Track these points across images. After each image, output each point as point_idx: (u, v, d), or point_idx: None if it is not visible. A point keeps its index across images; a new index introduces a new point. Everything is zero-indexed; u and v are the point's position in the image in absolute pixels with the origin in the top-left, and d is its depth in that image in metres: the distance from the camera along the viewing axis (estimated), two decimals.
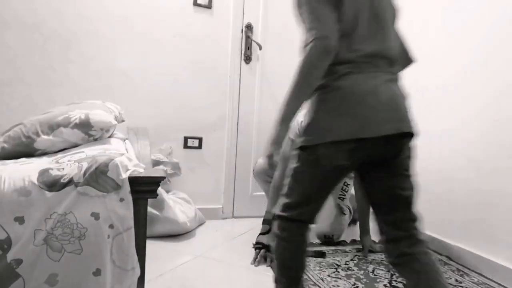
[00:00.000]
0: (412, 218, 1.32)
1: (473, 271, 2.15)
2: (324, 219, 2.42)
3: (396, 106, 1.23)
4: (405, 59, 1.42)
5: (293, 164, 1.31)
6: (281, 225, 1.35)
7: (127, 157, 1.47)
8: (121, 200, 1.38)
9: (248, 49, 2.90)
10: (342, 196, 2.51)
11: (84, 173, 1.37)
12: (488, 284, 2.00)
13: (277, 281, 1.41)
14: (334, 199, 2.52)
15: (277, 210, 1.36)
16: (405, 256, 1.25)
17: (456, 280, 2.03)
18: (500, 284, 2.00)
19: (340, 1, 1.20)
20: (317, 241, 2.54)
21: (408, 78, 2.79)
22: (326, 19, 1.17)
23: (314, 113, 1.25)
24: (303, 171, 1.29)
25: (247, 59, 2.94)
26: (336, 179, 1.32)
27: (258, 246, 2.21)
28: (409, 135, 1.27)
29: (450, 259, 2.31)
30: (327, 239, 2.47)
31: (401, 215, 1.31)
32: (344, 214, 2.50)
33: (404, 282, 1.33)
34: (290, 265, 1.38)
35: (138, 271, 1.42)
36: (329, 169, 1.25)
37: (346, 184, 2.49)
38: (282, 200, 1.34)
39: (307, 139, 1.25)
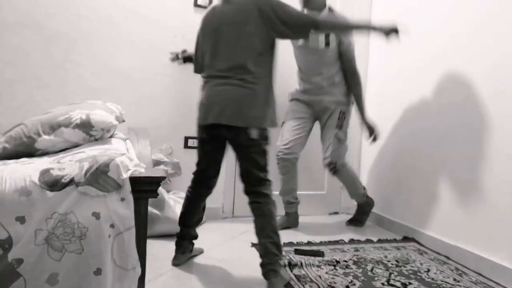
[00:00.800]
0: (250, 183, 1.91)
1: (472, 270, 2.16)
2: (326, 150, 2.71)
3: (213, 106, 1.84)
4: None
5: None
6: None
7: (128, 157, 1.48)
8: (122, 200, 1.39)
9: None
10: (339, 126, 2.70)
11: (85, 173, 1.37)
12: (486, 284, 2.01)
13: None
14: (332, 131, 2.69)
15: None
16: (252, 203, 1.91)
17: (455, 280, 2.04)
18: (498, 284, 2.01)
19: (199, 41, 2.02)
20: (315, 240, 2.56)
21: (409, 80, 2.80)
22: (196, 55, 2.07)
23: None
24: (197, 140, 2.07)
25: None
26: (208, 148, 2.01)
27: None
28: (227, 126, 1.82)
29: (449, 258, 2.32)
30: (331, 167, 2.71)
31: (245, 180, 1.92)
32: (341, 140, 2.71)
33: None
34: (183, 208, 2.09)
35: (138, 271, 1.43)
36: (201, 140, 2.00)
37: (341, 112, 2.71)
38: None
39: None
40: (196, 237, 2.16)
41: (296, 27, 1.82)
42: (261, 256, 1.85)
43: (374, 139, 2.78)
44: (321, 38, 2.58)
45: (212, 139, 1.96)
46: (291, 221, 2.84)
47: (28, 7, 2.49)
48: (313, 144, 2.89)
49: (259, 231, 1.86)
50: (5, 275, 1.28)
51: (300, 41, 2.65)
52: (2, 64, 2.47)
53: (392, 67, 2.96)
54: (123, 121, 2.01)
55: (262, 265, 1.84)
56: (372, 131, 2.76)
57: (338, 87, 2.71)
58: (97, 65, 2.64)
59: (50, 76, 2.56)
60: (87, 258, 1.33)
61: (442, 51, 2.49)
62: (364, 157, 3.29)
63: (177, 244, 2.12)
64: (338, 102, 2.72)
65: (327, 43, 2.59)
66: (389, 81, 2.99)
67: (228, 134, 1.86)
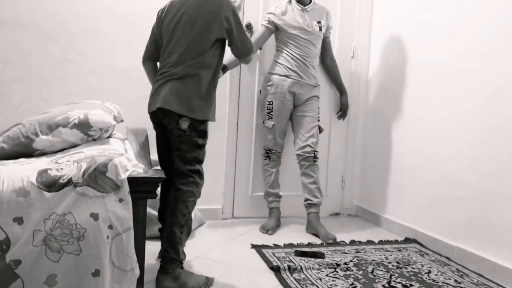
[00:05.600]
0: (176, 171, 1.91)
1: (473, 271, 2.14)
2: (309, 138, 2.73)
3: (156, 95, 1.90)
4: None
5: None
6: None
7: (126, 158, 1.47)
8: (120, 200, 1.38)
9: None
10: (319, 118, 2.83)
11: (83, 174, 1.36)
12: (488, 285, 1.99)
13: None
14: (315, 121, 2.78)
15: None
16: (170, 186, 1.91)
17: (456, 281, 2.03)
18: (499, 285, 1.99)
19: (159, 39, 2.02)
20: (316, 242, 2.55)
21: (410, 80, 2.79)
22: (147, 47, 2.16)
23: None
24: None
25: None
26: (159, 138, 2.04)
27: None
28: (163, 112, 1.87)
29: (450, 259, 2.31)
30: (315, 155, 2.74)
31: (175, 168, 1.91)
32: (322, 131, 2.86)
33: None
34: (159, 203, 2.10)
35: (137, 272, 1.42)
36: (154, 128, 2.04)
37: (318, 107, 2.86)
38: None
39: None
40: None
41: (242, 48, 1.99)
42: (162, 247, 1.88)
43: (343, 117, 3.12)
44: (315, 22, 2.74)
45: (158, 126, 2.00)
46: (278, 218, 2.84)
47: (27, 6, 2.48)
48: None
49: (165, 220, 1.91)
50: (3, 277, 1.27)
51: (296, 25, 2.70)
52: (0, 63, 2.46)
53: (394, 67, 2.95)
54: (122, 121, 2.00)
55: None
56: (346, 111, 3.09)
57: (317, 72, 2.85)
58: (96, 65, 2.63)
59: (49, 76, 2.55)
60: (86, 259, 1.32)
61: (444, 50, 2.48)
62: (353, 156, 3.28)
63: (161, 238, 2.06)
64: (318, 96, 2.83)
65: (320, 28, 2.76)
66: (391, 80, 2.98)
67: (163, 119, 1.90)
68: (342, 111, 3.10)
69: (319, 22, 2.75)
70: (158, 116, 1.90)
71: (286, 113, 2.77)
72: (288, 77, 2.72)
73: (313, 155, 2.72)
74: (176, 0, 1.94)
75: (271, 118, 2.77)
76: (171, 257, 1.79)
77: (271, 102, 2.76)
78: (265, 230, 2.70)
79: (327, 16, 2.82)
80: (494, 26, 2.16)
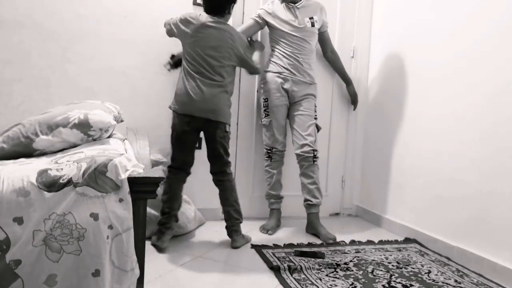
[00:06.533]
0: (220, 164, 2.40)
1: (473, 271, 2.15)
2: (307, 136, 2.71)
3: (197, 101, 2.25)
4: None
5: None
6: (167, 171, 2.39)
7: (126, 158, 1.47)
8: (120, 200, 1.38)
9: None
10: (316, 117, 2.81)
11: (83, 174, 1.36)
12: (488, 285, 1.99)
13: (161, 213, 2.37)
14: (312, 119, 2.76)
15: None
16: (218, 181, 2.43)
17: (456, 281, 2.03)
18: (499, 285, 1.99)
19: (186, 42, 2.35)
20: (316, 242, 2.55)
21: (411, 80, 2.79)
22: (170, 32, 2.43)
23: (177, 89, 2.36)
24: (171, 135, 2.39)
25: None
26: (191, 138, 2.37)
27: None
28: (210, 120, 2.30)
29: (450, 259, 2.31)
30: (315, 154, 2.71)
31: (216, 162, 2.40)
32: (319, 129, 2.86)
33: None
34: (165, 198, 2.33)
35: (137, 272, 1.42)
36: (183, 132, 2.33)
37: (315, 105, 2.83)
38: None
39: (173, 104, 2.36)
40: (177, 219, 2.44)
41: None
42: (226, 220, 2.42)
43: (353, 106, 3.21)
44: (307, 19, 2.72)
45: (193, 130, 2.34)
46: (279, 218, 2.84)
47: (27, 6, 2.48)
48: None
49: (224, 202, 2.42)
50: (3, 277, 1.27)
51: (286, 22, 2.70)
52: (0, 63, 2.46)
53: (394, 67, 2.95)
54: (122, 121, 2.00)
55: (227, 227, 2.43)
56: (356, 100, 3.16)
57: (313, 70, 2.82)
58: (96, 65, 2.63)
59: (48, 76, 2.55)
60: (86, 260, 1.32)
61: (444, 50, 2.48)
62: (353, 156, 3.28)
63: (163, 228, 2.31)
64: (314, 94, 2.81)
65: (312, 24, 2.73)
66: (390, 80, 2.98)
67: (208, 126, 2.32)
68: (352, 101, 3.16)
69: (311, 18, 2.72)
70: (197, 120, 2.27)
71: (282, 109, 2.76)
72: (281, 74, 2.73)
73: (312, 154, 2.70)
74: (208, 23, 2.29)
75: (268, 115, 2.77)
76: (240, 222, 2.43)
77: (266, 99, 2.78)
78: (265, 230, 2.71)
79: (321, 11, 2.80)
80: (494, 26, 2.16)
